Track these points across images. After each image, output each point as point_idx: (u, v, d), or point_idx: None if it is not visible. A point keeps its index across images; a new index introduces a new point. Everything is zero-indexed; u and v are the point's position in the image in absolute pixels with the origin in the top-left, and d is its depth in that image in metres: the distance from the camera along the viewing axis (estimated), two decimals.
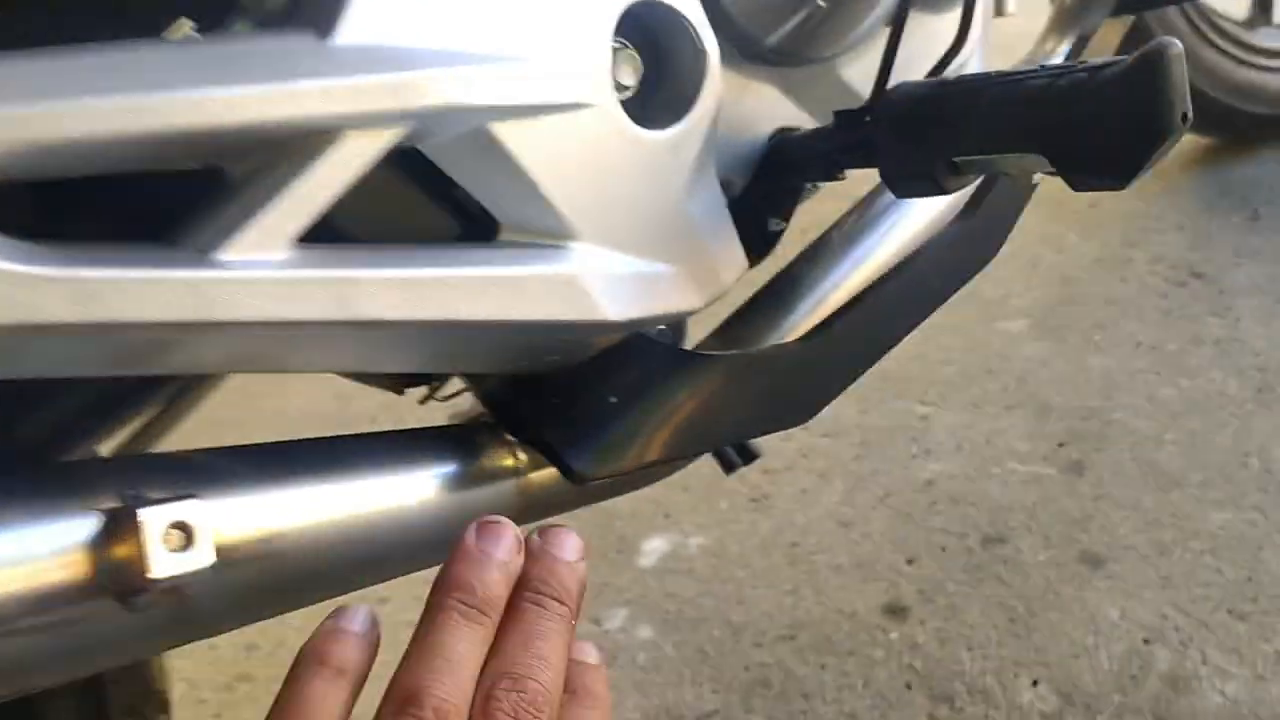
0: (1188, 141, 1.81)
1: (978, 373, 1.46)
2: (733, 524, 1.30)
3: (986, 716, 1.03)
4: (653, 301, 0.59)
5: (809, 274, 0.79)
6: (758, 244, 0.71)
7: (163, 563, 0.44)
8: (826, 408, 0.68)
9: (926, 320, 0.74)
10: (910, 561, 1.21)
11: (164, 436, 0.69)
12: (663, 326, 0.66)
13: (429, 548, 0.59)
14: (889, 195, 0.83)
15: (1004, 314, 1.56)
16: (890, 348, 0.69)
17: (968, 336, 1.53)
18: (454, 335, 0.52)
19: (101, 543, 0.43)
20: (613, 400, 0.59)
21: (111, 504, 0.45)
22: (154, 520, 0.44)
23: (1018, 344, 1.50)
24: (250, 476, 0.51)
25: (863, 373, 0.68)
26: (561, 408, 0.59)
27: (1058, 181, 0.57)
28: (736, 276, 0.67)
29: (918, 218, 0.80)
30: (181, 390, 0.65)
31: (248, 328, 0.42)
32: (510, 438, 0.63)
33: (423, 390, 0.75)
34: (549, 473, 0.62)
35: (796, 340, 0.66)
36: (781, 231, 0.77)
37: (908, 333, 0.69)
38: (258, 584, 0.49)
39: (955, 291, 0.71)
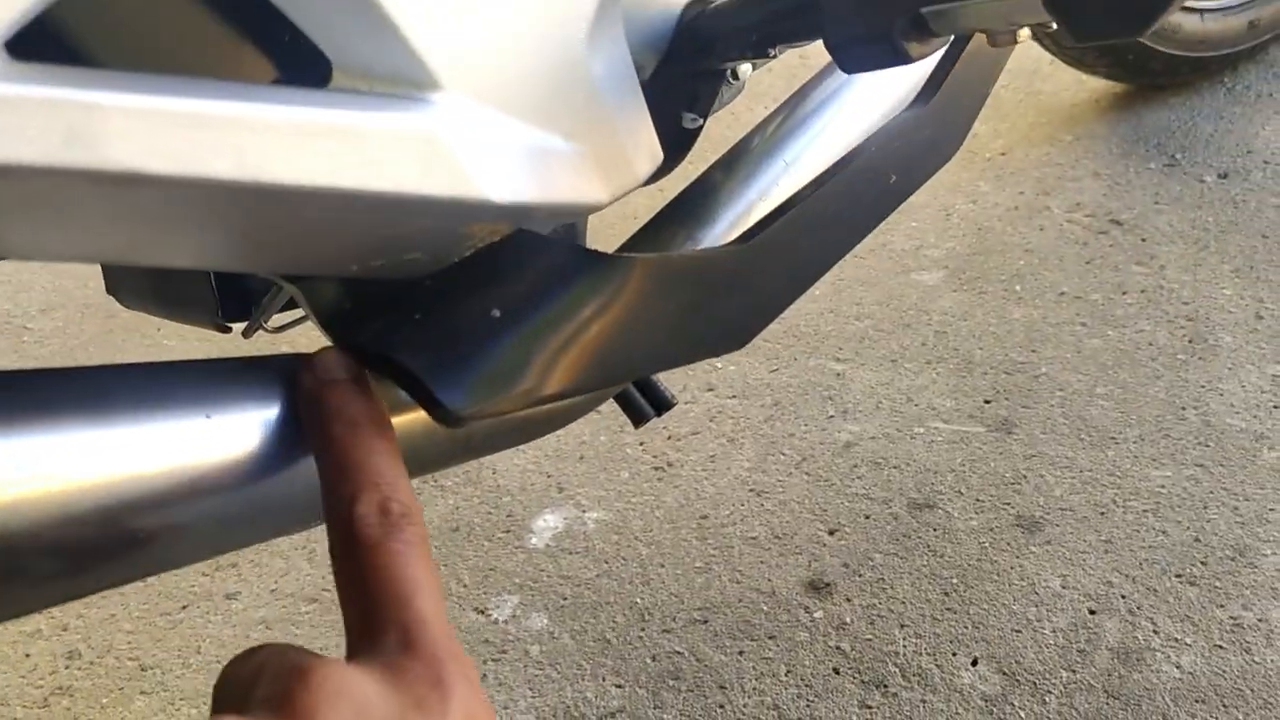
0: (1099, 88, 1.73)
1: (894, 327, 1.35)
2: (635, 496, 1.16)
3: (924, 702, 0.92)
4: (545, 184, 0.45)
5: (732, 178, 0.66)
6: (671, 145, 0.57)
7: None
8: (740, 353, 0.55)
9: (862, 241, 0.61)
10: (832, 532, 1.09)
11: None
12: (554, 229, 0.51)
13: (246, 520, 0.43)
14: (825, 86, 0.70)
15: (918, 265, 1.45)
16: (837, 257, 0.56)
17: (881, 289, 1.41)
18: (262, 211, 0.36)
19: None
20: (495, 315, 0.45)
21: None
22: None
23: (934, 296, 1.39)
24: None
25: (805, 288, 0.55)
26: (427, 326, 0.44)
27: None
28: (649, 169, 0.53)
29: (863, 112, 0.67)
30: None
31: None
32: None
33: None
34: (411, 417, 0.47)
35: (729, 245, 0.52)
36: (698, 130, 0.63)
37: (859, 239, 0.56)
38: (5, 565, 0.33)
39: (913, 190, 0.58)
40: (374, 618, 0.33)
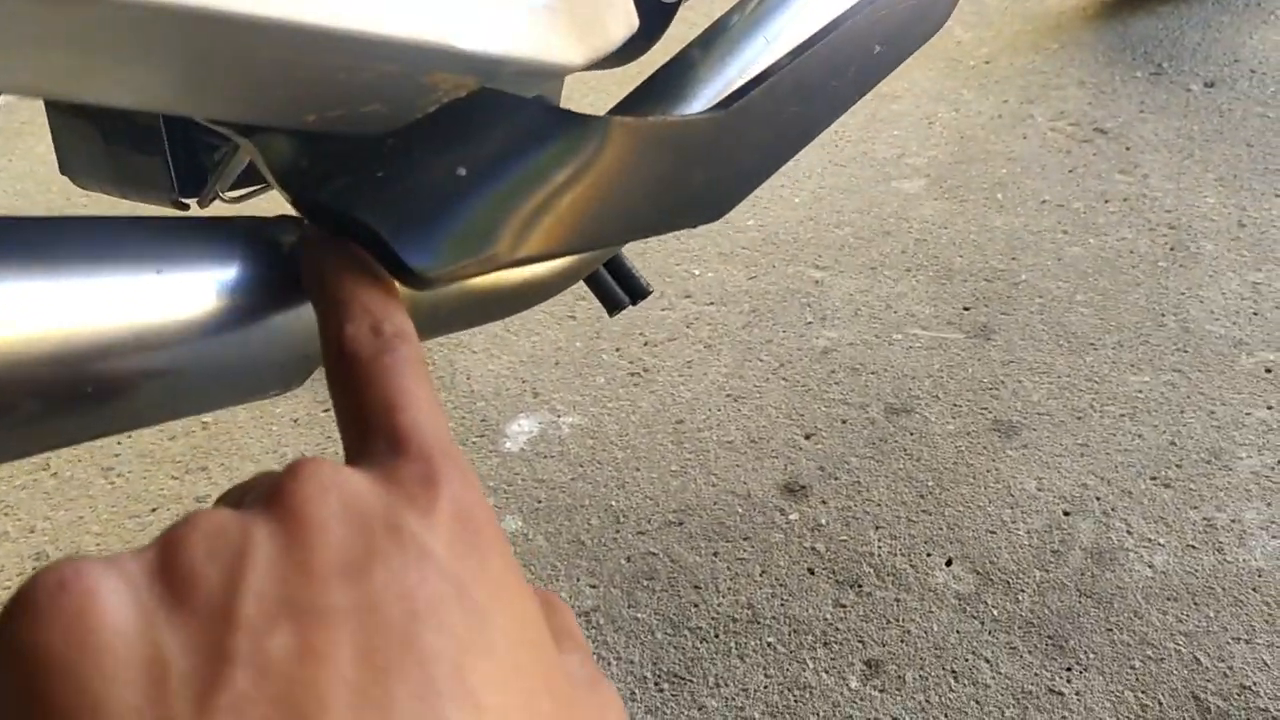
0: None
1: (874, 235, 1.33)
2: (610, 401, 1.15)
3: (898, 601, 0.92)
4: (513, 36, 0.42)
5: (710, 55, 0.63)
6: (647, 20, 0.55)
7: None
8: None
9: (843, 115, 0.59)
10: (808, 436, 1.08)
11: None
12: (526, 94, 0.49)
13: (187, 387, 0.41)
14: None
15: (900, 173, 1.43)
16: (819, 129, 0.54)
17: (862, 197, 1.39)
18: (213, 44, 0.33)
19: None
20: (461, 173, 0.42)
21: None
22: None
23: (915, 204, 1.37)
24: None
25: (785, 160, 0.53)
26: (390, 184, 0.42)
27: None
28: (624, 34, 0.50)
29: None
30: None
31: None
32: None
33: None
34: None
35: (707, 111, 0.50)
36: (676, 6, 0.61)
37: (841, 111, 0.54)
38: None
39: (900, 61, 0.56)
40: (366, 429, 0.31)
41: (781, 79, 0.51)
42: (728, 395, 1.14)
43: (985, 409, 1.09)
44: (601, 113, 0.64)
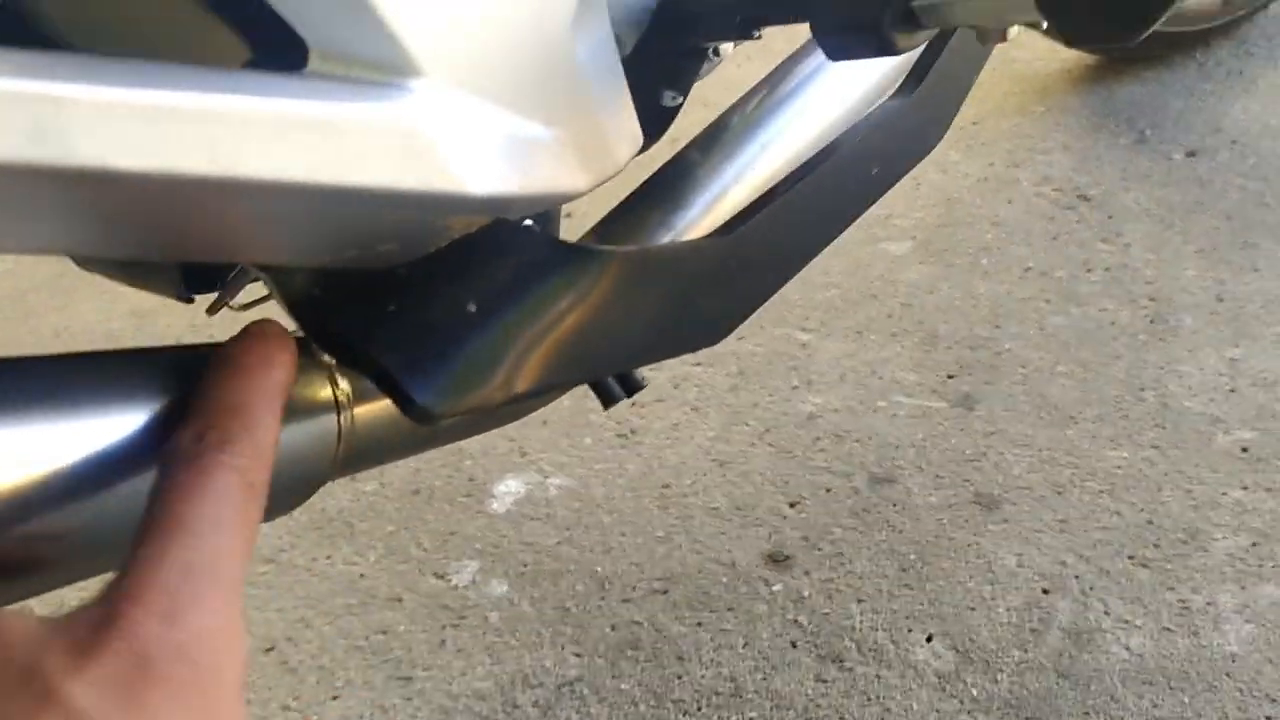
0: (1071, 58, 1.73)
1: (861, 298, 1.35)
2: (597, 463, 1.16)
3: (879, 677, 0.93)
4: (525, 174, 0.43)
5: (708, 159, 0.64)
6: (649, 123, 0.56)
7: None
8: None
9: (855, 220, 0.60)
10: (793, 505, 1.09)
11: None
12: (529, 220, 0.50)
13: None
14: (804, 66, 0.69)
15: (887, 235, 1.45)
16: (817, 249, 0.55)
17: (849, 258, 1.41)
18: (235, 205, 0.34)
19: None
20: (470, 309, 0.43)
21: None
22: None
23: (902, 267, 1.39)
24: None
25: (785, 281, 0.54)
26: (400, 318, 0.43)
27: None
28: (630, 155, 0.51)
29: (842, 95, 0.66)
30: None
31: None
32: (327, 360, 0.46)
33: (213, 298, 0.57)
34: (381, 406, 0.46)
35: (709, 237, 0.51)
36: (677, 108, 0.62)
37: (839, 231, 0.56)
38: None
39: (894, 182, 0.58)
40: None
41: (784, 203, 0.52)
42: (713, 460, 1.15)
43: (968, 480, 1.10)
44: (595, 215, 0.66)
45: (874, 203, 0.57)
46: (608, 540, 1.07)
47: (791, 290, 1.35)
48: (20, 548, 0.35)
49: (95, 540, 0.37)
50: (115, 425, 0.37)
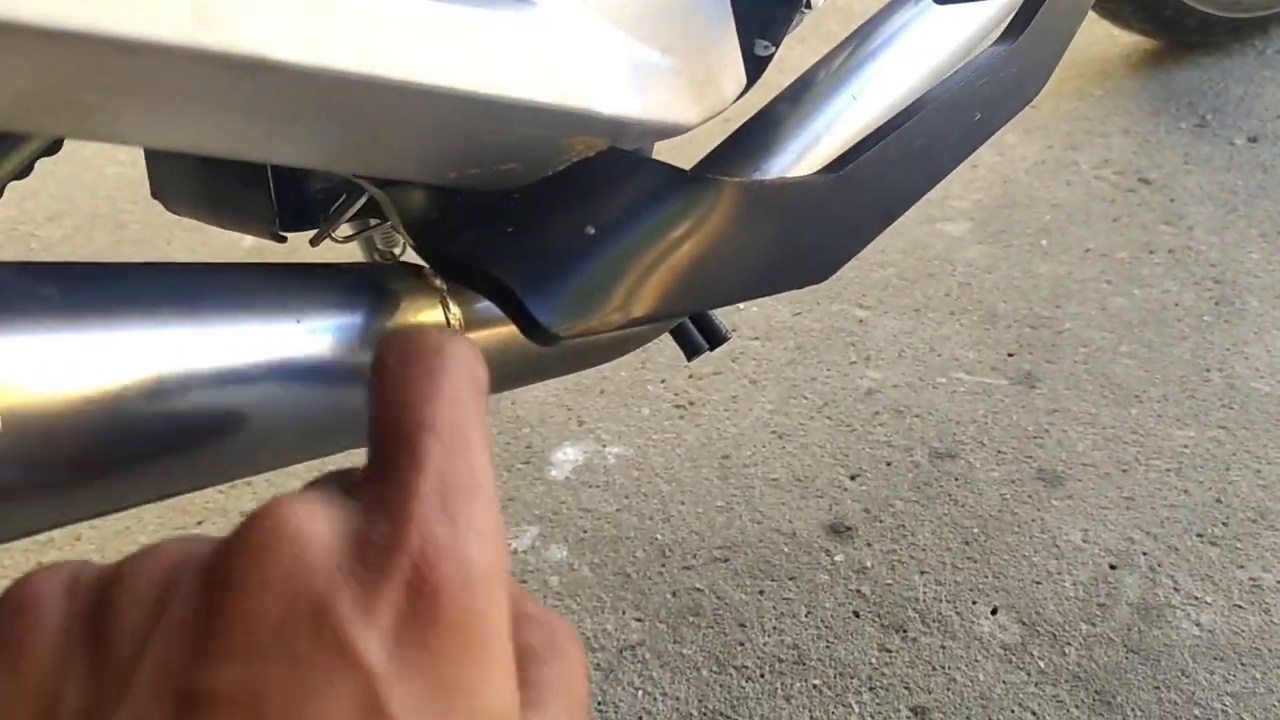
0: (1130, 43, 1.71)
1: (918, 276, 1.34)
2: (655, 433, 1.15)
3: (943, 648, 0.92)
4: (645, 100, 0.43)
5: (797, 110, 0.64)
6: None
7: None
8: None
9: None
10: (853, 477, 1.09)
11: None
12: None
13: (312, 434, 0.42)
14: (894, 20, 0.69)
15: (944, 215, 1.44)
16: (921, 193, 0.55)
17: (906, 238, 1.40)
18: (377, 108, 0.34)
19: None
20: (589, 232, 0.43)
21: None
22: None
23: (960, 247, 1.38)
24: (68, 305, 0.33)
25: (889, 223, 0.54)
26: (520, 240, 0.42)
27: None
28: (735, 92, 0.51)
29: (933, 47, 0.65)
30: None
31: (39, 42, 0.25)
32: (439, 285, 0.46)
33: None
34: (491, 333, 0.46)
35: (819, 173, 0.51)
36: (769, 58, 0.61)
37: (943, 176, 0.55)
38: (65, 464, 0.32)
39: (996, 129, 0.57)
40: (376, 451, 0.27)
41: (891, 143, 0.52)
42: (773, 432, 1.14)
43: (1030, 457, 1.09)
44: (685, 165, 0.65)
45: (975, 150, 0.56)
46: (667, 508, 1.07)
47: (847, 268, 1.34)
48: (267, 424, 0.36)
49: (280, 438, 0.37)
50: (312, 333, 0.37)
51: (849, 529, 1.03)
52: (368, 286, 0.43)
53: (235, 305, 0.38)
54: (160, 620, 0.23)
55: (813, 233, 0.49)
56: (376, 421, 0.27)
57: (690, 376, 1.22)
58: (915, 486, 1.07)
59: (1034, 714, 0.87)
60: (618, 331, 0.54)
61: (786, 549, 1.02)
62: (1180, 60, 1.67)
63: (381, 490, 0.25)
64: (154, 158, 0.63)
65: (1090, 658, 0.90)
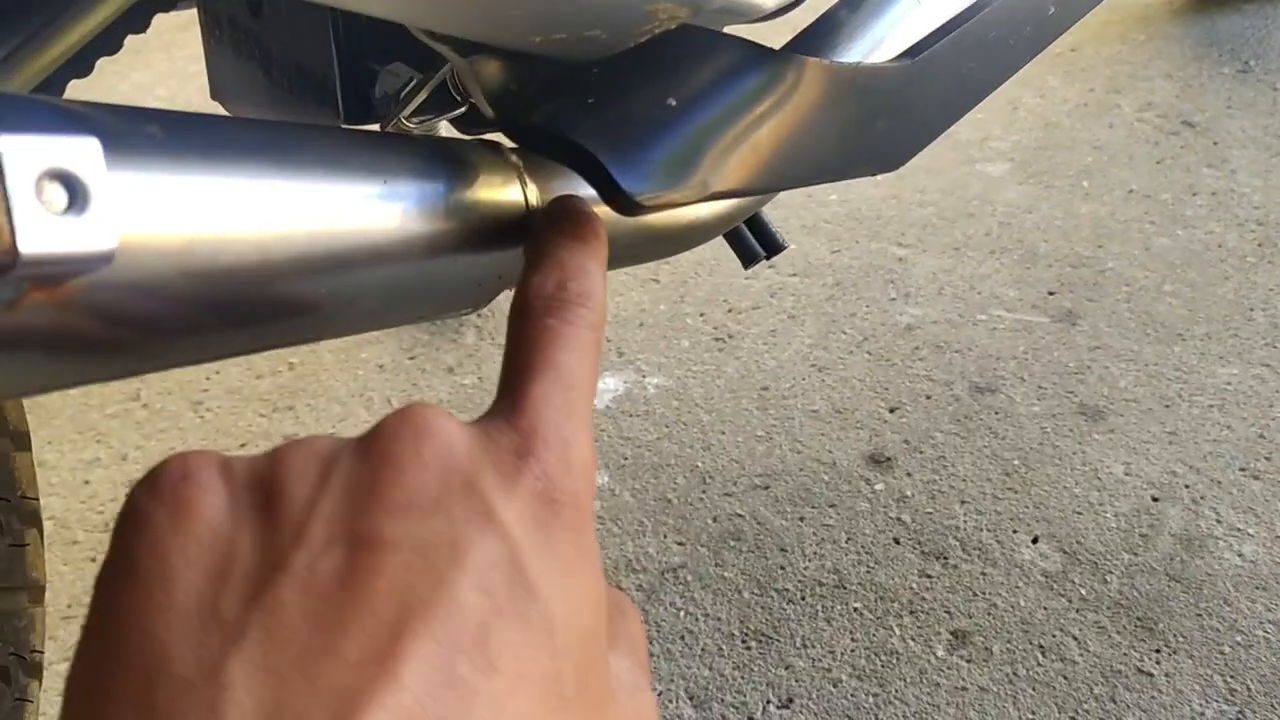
0: None
1: (958, 216, 1.33)
2: (695, 364, 1.15)
3: (983, 574, 0.93)
4: None
5: (858, 14, 0.63)
6: None
7: (39, 228, 0.26)
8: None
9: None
10: (893, 410, 1.09)
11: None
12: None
13: (393, 298, 0.42)
14: None
15: (984, 156, 1.43)
16: (995, 84, 0.54)
17: (945, 178, 1.39)
18: None
19: None
20: (671, 104, 0.43)
21: None
22: (24, 158, 0.26)
23: (1000, 187, 1.37)
24: (171, 145, 0.33)
25: (961, 114, 0.54)
26: (602, 110, 0.42)
27: None
28: None
29: None
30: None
31: None
32: (514, 160, 0.46)
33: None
34: None
35: (895, 59, 0.50)
36: None
37: (1017, 68, 0.55)
38: (174, 301, 0.32)
39: (1069, 24, 0.57)
40: (502, 387, 0.32)
41: (965, 32, 0.51)
42: (812, 365, 1.14)
43: (1071, 392, 1.09)
44: None
45: (1049, 44, 0.56)
46: (707, 438, 1.07)
47: (887, 207, 1.35)
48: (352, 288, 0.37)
49: (365, 300, 0.37)
50: (399, 197, 0.37)
51: (889, 459, 1.04)
52: (449, 158, 0.43)
53: (329, 163, 0.38)
54: (325, 488, 0.27)
55: (887, 119, 0.49)
56: (512, 350, 0.33)
57: (729, 310, 1.22)
58: (955, 419, 1.07)
59: (1075, 639, 0.87)
60: (692, 212, 0.54)
61: (826, 478, 1.02)
62: (1223, 6, 1.65)
63: (510, 408, 0.30)
64: (214, 59, 0.63)
65: (1132, 586, 0.91)
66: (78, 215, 0.27)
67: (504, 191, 0.45)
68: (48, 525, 1.01)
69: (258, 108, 0.62)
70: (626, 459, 1.05)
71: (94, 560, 0.99)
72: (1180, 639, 0.86)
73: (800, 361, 1.15)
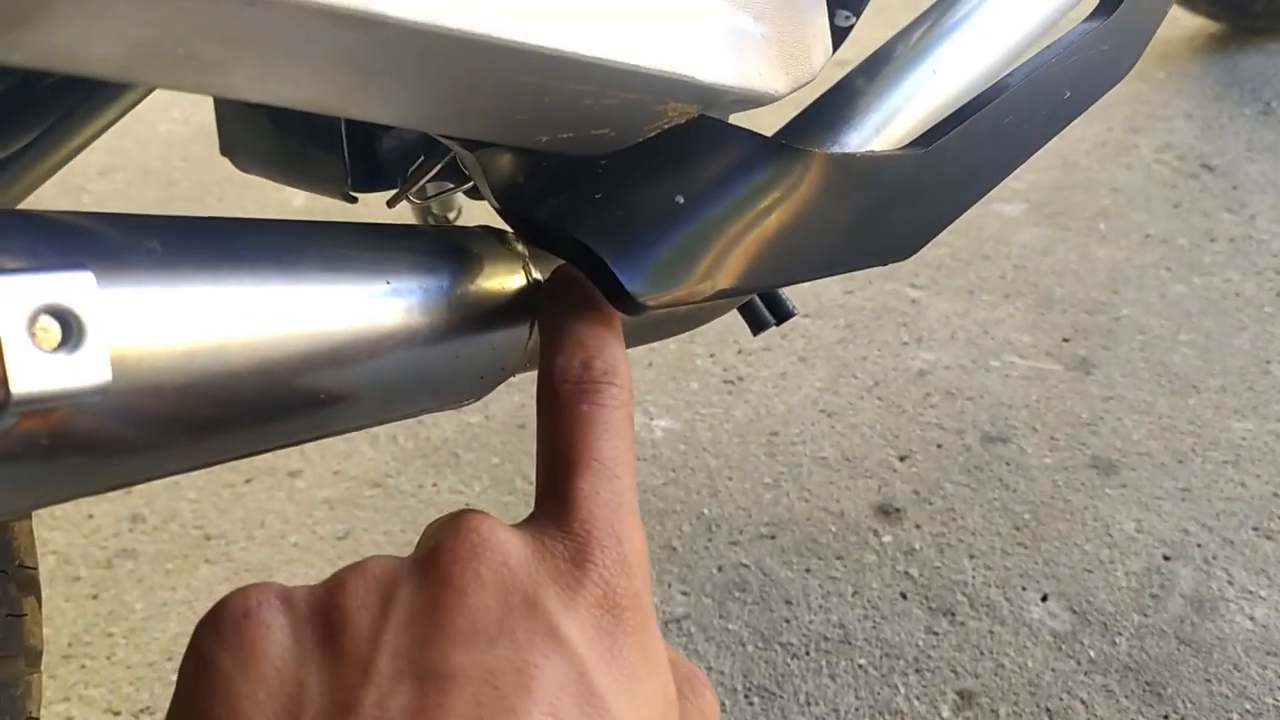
0: (1195, 26, 1.67)
1: (973, 257, 1.32)
2: (703, 407, 1.15)
3: (991, 633, 0.92)
4: (739, 68, 0.42)
5: (875, 84, 0.63)
6: None
7: (31, 369, 0.26)
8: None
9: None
10: (903, 458, 1.08)
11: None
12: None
13: (396, 394, 0.42)
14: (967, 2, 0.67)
15: (999, 195, 1.42)
16: (1008, 170, 0.53)
17: (961, 219, 1.38)
18: (484, 69, 0.34)
19: None
20: (679, 200, 0.42)
21: None
22: (18, 296, 0.26)
23: (1015, 229, 1.36)
24: (170, 259, 0.33)
25: (975, 200, 0.53)
26: (608, 207, 0.42)
27: None
28: (823, 62, 0.50)
29: (1016, 23, 0.64)
30: (66, 114, 0.44)
31: None
32: (520, 249, 0.45)
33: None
34: None
35: (906, 147, 0.50)
36: (849, 29, 0.60)
37: (1030, 153, 0.54)
38: (171, 413, 0.32)
39: (1086, 107, 0.56)
40: (546, 480, 0.32)
41: (980, 118, 0.50)
42: (821, 410, 1.14)
43: (1084, 444, 1.08)
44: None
45: (1064, 127, 0.55)
46: (714, 483, 1.06)
47: None
48: (352, 387, 0.37)
49: (368, 398, 0.37)
50: (402, 295, 0.37)
51: (898, 510, 1.03)
52: (453, 250, 0.43)
53: (331, 264, 0.38)
54: (388, 619, 0.27)
55: (899, 208, 0.48)
56: (549, 441, 0.33)
57: (739, 352, 1.21)
58: (966, 470, 1.06)
59: (1083, 703, 0.86)
60: (700, 304, 0.53)
61: (834, 528, 1.01)
62: (1245, 46, 1.63)
63: (559, 509, 0.30)
64: (226, 115, 0.63)
65: (1141, 648, 0.89)
66: (70, 352, 0.27)
67: (509, 282, 0.45)
68: (50, 560, 1.01)
69: (266, 168, 0.62)
70: None
71: (95, 597, 0.99)
72: (1189, 705, 0.85)
73: (810, 406, 1.14)
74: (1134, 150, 1.47)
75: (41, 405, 0.27)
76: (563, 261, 0.42)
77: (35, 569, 0.54)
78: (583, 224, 0.41)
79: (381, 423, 0.44)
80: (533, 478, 1.08)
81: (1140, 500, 1.02)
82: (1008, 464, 1.06)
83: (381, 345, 0.39)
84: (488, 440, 1.13)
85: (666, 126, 0.43)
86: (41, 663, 0.58)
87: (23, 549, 0.54)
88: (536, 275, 0.46)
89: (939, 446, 1.09)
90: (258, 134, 0.61)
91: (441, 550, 0.28)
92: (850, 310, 1.26)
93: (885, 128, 0.62)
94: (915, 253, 0.50)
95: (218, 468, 1.10)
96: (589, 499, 0.31)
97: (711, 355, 1.21)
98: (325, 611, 0.27)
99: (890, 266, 1.28)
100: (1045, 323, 1.22)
